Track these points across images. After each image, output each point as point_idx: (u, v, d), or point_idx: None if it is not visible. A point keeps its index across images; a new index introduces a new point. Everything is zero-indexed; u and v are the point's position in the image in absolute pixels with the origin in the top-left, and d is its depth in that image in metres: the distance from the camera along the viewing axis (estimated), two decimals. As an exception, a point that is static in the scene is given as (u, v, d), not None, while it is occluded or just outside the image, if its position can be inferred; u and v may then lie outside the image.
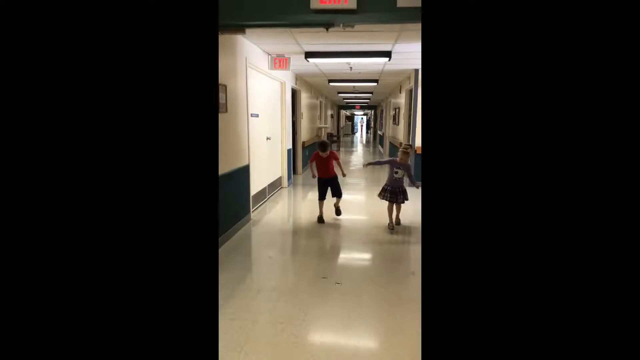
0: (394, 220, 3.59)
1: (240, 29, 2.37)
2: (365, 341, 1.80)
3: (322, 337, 1.84)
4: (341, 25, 2.17)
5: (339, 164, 3.82)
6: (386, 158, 3.70)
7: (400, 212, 3.64)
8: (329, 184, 3.80)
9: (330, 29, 2.23)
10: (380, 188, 3.69)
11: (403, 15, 2.04)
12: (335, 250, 3.09)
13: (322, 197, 3.79)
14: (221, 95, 2.91)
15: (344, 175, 3.88)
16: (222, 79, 2.92)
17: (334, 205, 3.87)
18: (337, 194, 3.83)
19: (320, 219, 3.77)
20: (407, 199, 3.57)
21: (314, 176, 3.81)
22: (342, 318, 1.99)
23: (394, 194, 3.51)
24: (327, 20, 2.11)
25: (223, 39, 2.91)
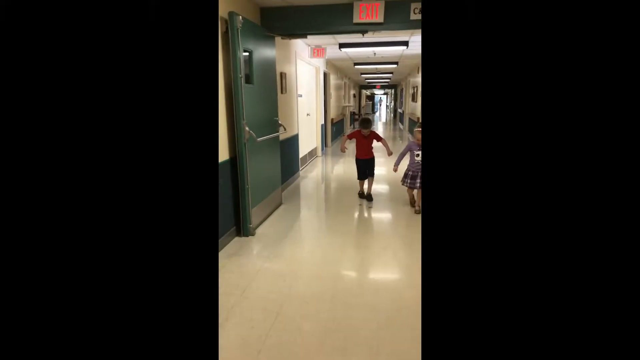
0: (415, 205, 3.44)
1: (304, 36, 3.46)
2: (382, 228, 2.95)
3: (356, 222, 3.00)
4: (373, 32, 3.22)
5: (385, 143, 3.74)
6: (403, 149, 3.52)
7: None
8: (367, 164, 3.74)
9: (365, 34, 3.28)
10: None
11: (414, 25, 3.06)
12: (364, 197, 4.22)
13: (362, 178, 3.81)
14: (283, 81, 4.02)
15: (389, 153, 3.73)
16: (282, 68, 4.02)
17: (367, 192, 3.83)
18: (371, 172, 3.78)
19: (362, 195, 3.88)
20: None
21: (343, 150, 3.88)
22: (371, 216, 3.15)
23: (413, 179, 3.36)
24: (363, 29, 3.16)
25: (286, 41, 4.00)
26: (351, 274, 2.28)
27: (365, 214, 3.41)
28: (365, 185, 3.87)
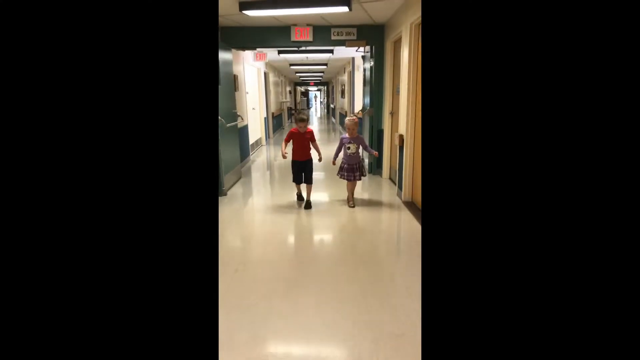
0: (349, 201, 3.45)
1: (254, 48, 4.53)
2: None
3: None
4: (305, 47, 4.42)
5: (316, 147, 3.36)
6: (338, 144, 3.42)
7: (355, 190, 3.47)
8: (304, 167, 3.35)
9: (299, 48, 4.47)
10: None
11: (334, 43, 4.33)
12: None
13: (298, 182, 3.46)
14: (236, 81, 5.02)
15: (320, 159, 3.44)
16: (234, 71, 5.02)
17: (306, 198, 3.43)
18: (309, 179, 3.38)
19: (300, 196, 3.59)
20: (364, 175, 3.45)
21: (284, 156, 3.26)
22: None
23: (350, 171, 3.35)
24: (298, 45, 4.33)
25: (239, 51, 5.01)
26: (293, 215, 3.47)
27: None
28: (304, 191, 3.52)
